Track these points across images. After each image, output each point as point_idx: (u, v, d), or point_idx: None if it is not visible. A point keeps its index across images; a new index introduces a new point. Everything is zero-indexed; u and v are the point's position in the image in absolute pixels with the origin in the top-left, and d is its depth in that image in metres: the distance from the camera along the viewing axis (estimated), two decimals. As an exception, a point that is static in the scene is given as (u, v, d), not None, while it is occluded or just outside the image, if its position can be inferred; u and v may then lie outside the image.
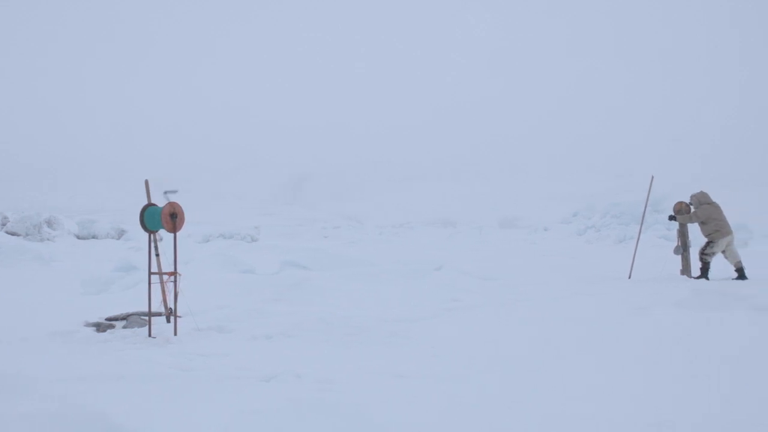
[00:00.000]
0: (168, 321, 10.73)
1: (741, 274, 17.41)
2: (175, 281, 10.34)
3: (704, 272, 17.62)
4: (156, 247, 10.73)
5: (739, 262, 17.59)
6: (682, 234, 18.28)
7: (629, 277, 18.09)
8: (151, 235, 10.62)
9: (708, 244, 17.71)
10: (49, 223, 46.44)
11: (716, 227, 17.62)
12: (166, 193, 11.04)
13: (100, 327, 10.95)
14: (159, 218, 10.21)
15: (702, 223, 17.87)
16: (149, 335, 10.05)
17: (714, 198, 18.13)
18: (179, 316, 10.63)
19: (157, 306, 10.83)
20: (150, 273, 10.44)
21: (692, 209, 18.09)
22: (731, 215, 18.42)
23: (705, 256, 17.69)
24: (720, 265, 18.44)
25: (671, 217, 18.53)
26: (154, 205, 10.48)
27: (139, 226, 10.51)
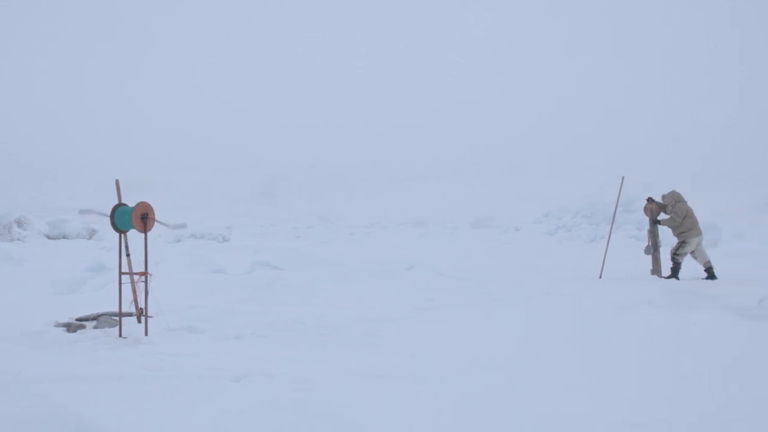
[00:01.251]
0: (139, 321, 10.70)
1: (710, 274, 17.56)
2: (146, 281, 10.30)
3: (675, 272, 17.76)
4: (127, 247, 10.69)
5: (708, 261, 17.75)
6: (653, 234, 18.40)
7: (600, 277, 18.18)
8: (122, 235, 10.57)
9: (681, 244, 17.85)
10: (20, 223, 46.19)
11: (689, 226, 17.77)
12: (81, 212, 11.08)
13: (70, 327, 10.88)
14: (129, 218, 10.17)
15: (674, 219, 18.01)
16: (120, 335, 10.00)
17: (685, 196, 18.29)
18: (150, 317, 10.58)
19: (127, 306, 10.78)
20: (121, 273, 10.40)
21: (668, 209, 18.20)
22: (701, 216, 18.56)
23: (677, 256, 17.83)
24: (690, 265, 18.56)
25: (656, 221, 18.58)
26: (124, 205, 10.44)
27: (110, 227, 10.47)
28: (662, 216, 18.55)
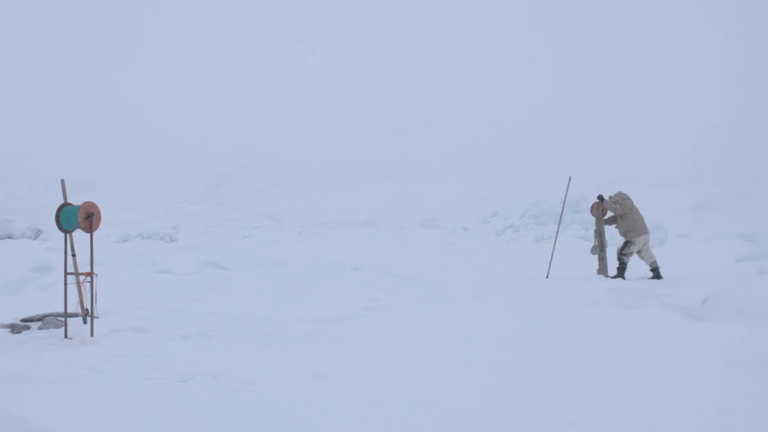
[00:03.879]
0: (85, 322, 10.66)
1: (656, 274, 17.78)
2: (91, 282, 10.27)
3: (621, 272, 17.95)
4: (72, 247, 10.65)
5: (654, 261, 17.98)
6: (599, 234, 18.58)
7: (547, 277, 18.31)
8: (67, 235, 10.53)
9: (626, 243, 18.06)
10: (-38, 223, 45.55)
11: (632, 225, 17.98)
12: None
13: (14, 328, 10.82)
14: (75, 218, 10.13)
15: (620, 218, 18.21)
16: (65, 336, 9.95)
17: (631, 197, 18.52)
18: (96, 317, 10.55)
19: (73, 307, 10.74)
20: (66, 273, 10.36)
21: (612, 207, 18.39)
22: (647, 216, 18.79)
23: (623, 255, 18.03)
24: (636, 265, 18.78)
25: (600, 197, 18.80)
26: (69, 204, 10.40)
27: (56, 226, 10.43)
28: (607, 211, 18.75)
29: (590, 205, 19.29)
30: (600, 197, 18.96)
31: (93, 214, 10.23)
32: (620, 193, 18.49)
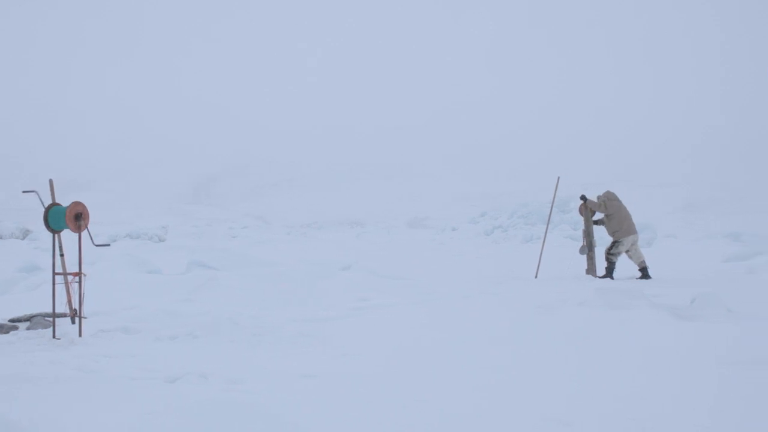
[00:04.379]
0: (73, 322, 10.63)
1: (645, 274, 17.81)
2: (80, 282, 10.23)
3: (609, 272, 17.98)
4: (60, 247, 10.62)
5: (643, 261, 18.01)
6: (588, 234, 18.60)
7: (536, 277, 18.31)
8: (55, 236, 10.50)
9: (614, 243, 18.08)
10: (-49, 223, 45.44)
11: (620, 225, 18.00)
12: (24, 192, 10.99)
13: (2, 329, 10.78)
14: (63, 218, 10.10)
15: (607, 218, 18.24)
16: (53, 337, 9.92)
17: (620, 198, 18.54)
18: (84, 317, 10.52)
19: (61, 307, 10.71)
20: (54, 273, 10.32)
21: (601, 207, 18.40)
22: (636, 216, 18.82)
23: (611, 255, 18.05)
24: (625, 264, 18.82)
25: (582, 197, 18.84)
26: (58, 204, 10.36)
27: (44, 227, 10.39)
28: (595, 211, 18.74)
29: (578, 206, 19.31)
30: (583, 197, 18.98)
31: (82, 214, 10.20)
32: (608, 192, 18.52)
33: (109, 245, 11.26)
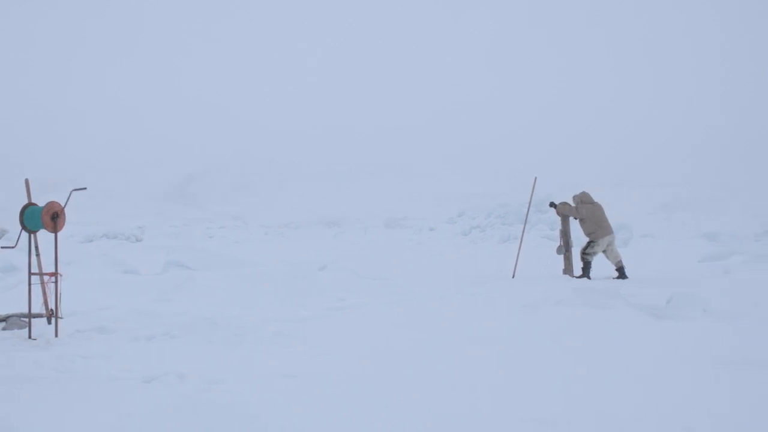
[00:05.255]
0: (49, 322, 10.58)
1: (621, 273, 17.88)
2: (56, 282, 10.20)
3: (586, 271, 18.04)
4: (36, 247, 10.58)
5: (620, 261, 18.07)
6: (565, 234, 18.65)
7: (513, 277, 18.33)
8: (31, 235, 10.45)
9: (589, 243, 18.13)
10: (-73, 223, 45.19)
11: (596, 226, 18.04)
12: (74, 190, 10.89)
13: (-22, 329, 10.73)
14: (39, 218, 10.06)
15: (582, 221, 18.29)
16: (29, 337, 9.87)
17: (596, 198, 18.58)
18: (60, 318, 10.48)
19: (37, 307, 10.66)
20: (30, 273, 10.28)
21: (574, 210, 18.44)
22: (612, 216, 18.87)
23: (586, 255, 18.10)
24: (602, 264, 18.88)
25: (551, 204, 18.90)
26: (34, 204, 10.32)
27: (20, 227, 10.34)
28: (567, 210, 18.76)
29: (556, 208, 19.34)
30: (552, 204, 19.07)
31: (58, 214, 10.16)
32: (584, 193, 18.57)
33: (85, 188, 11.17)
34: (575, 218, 18.50)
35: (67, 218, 10.38)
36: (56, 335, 9.93)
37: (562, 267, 18.54)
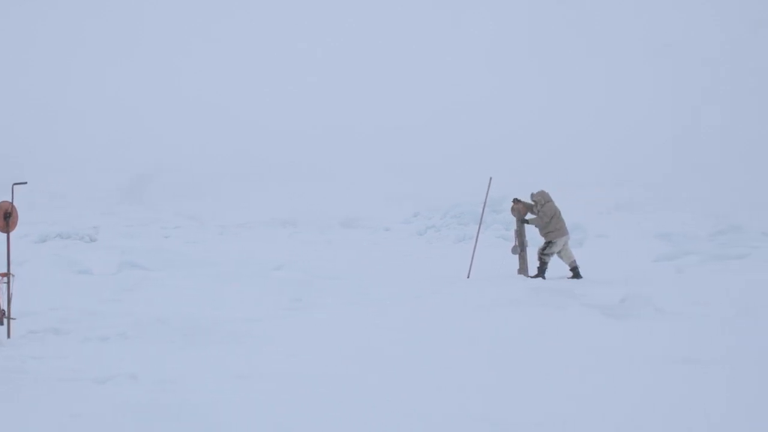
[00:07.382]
0: (1, 323, 10.48)
1: (576, 274, 17.96)
2: (8, 282, 10.10)
3: (541, 271, 18.08)
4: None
5: (574, 261, 18.15)
6: (520, 234, 18.68)
7: (468, 277, 18.33)
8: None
9: (547, 244, 18.16)
10: None
11: (555, 227, 18.11)
12: (15, 185, 10.78)
13: (-72, 330, 10.60)
14: (-8, 218, 9.96)
15: (544, 221, 18.34)
16: (-19, 338, 9.79)
17: (552, 198, 18.64)
18: (13, 319, 10.38)
19: (-10, 308, 10.56)
20: (-19, 274, 10.18)
21: (536, 209, 18.43)
22: (567, 216, 18.93)
23: (544, 255, 18.14)
24: (556, 264, 18.96)
25: (524, 221, 18.89)
26: (-14, 204, 10.22)
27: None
28: (530, 216, 18.78)
29: (510, 206, 19.36)
30: (516, 200, 19.06)
31: (10, 213, 10.06)
32: (543, 192, 18.61)
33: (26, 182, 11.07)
34: (537, 225, 18.48)
35: (19, 218, 10.29)
36: (8, 336, 9.84)
37: (517, 267, 18.58)
